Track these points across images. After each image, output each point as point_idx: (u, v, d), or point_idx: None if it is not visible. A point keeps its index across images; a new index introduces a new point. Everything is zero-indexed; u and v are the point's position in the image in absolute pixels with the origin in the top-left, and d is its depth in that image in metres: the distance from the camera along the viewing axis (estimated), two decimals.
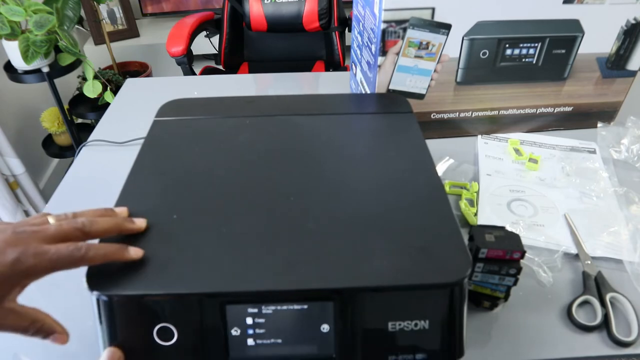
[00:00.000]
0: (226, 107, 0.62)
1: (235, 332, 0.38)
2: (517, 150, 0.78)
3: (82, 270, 0.40)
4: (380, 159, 0.52)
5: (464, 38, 0.70)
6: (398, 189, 0.47)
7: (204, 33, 1.72)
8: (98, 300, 0.37)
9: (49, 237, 0.36)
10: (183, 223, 0.43)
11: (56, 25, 1.42)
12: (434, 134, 0.81)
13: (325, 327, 0.39)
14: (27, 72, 1.51)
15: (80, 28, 1.98)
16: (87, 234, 0.38)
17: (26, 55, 1.39)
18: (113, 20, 2.23)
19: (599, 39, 0.73)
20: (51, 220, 0.38)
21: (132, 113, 0.93)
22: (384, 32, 0.68)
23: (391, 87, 0.74)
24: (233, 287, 0.37)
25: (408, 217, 0.43)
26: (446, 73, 0.74)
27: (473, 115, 0.80)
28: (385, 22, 0.67)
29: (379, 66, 0.71)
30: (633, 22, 0.72)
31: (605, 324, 0.51)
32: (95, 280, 0.38)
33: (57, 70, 1.54)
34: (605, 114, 0.83)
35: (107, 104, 1.06)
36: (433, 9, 0.67)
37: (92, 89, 1.60)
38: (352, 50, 0.90)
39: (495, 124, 0.82)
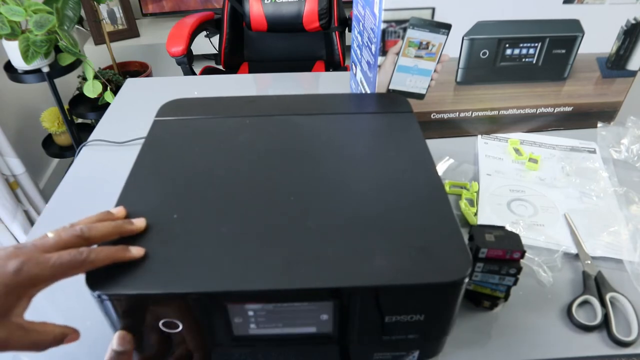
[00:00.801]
0: (227, 107, 0.62)
1: (238, 320, 0.39)
2: (517, 150, 0.78)
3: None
4: (380, 158, 0.52)
5: (464, 38, 0.70)
6: (398, 189, 0.47)
7: (204, 33, 1.72)
8: (99, 299, 0.38)
9: (49, 247, 0.36)
10: (183, 222, 0.43)
11: (56, 25, 1.42)
12: (434, 134, 0.81)
13: (324, 317, 0.40)
14: (27, 72, 1.51)
15: (80, 28, 1.98)
16: (87, 240, 0.38)
17: (26, 55, 1.39)
18: (113, 20, 2.23)
19: (599, 39, 0.73)
20: (50, 234, 0.38)
21: (132, 113, 0.93)
22: (384, 32, 0.68)
23: (391, 87, 0.74)
24: (233, 287, 0.38)
25: (408, 216, 0.43)
26: (446, 73, 0.74)
27: (473, 115, 0.80)
28: (385, 22, 0.67)
29: (379, 66, 0.71)
30: (633, 22, 0.72)
31: (605, 323, 0.51)
32: (95, 279, 0.38)
33: (57, 70, 1.54)
34: (605, 114, 0.83)
35: (107, 104, 1.06)
36: (433, 9, 0.67)
37: (92, 89, 1.60)
38: (352, 50, 0.90)
39: (495, 124, 0.82)
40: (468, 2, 0.67)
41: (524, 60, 0.74)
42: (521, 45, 0.72)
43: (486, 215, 0.65)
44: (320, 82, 1.09)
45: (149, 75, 2.03)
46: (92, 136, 0.85)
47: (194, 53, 1.54)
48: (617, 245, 0.60)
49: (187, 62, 1.47)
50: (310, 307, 0.39)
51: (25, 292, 0.35)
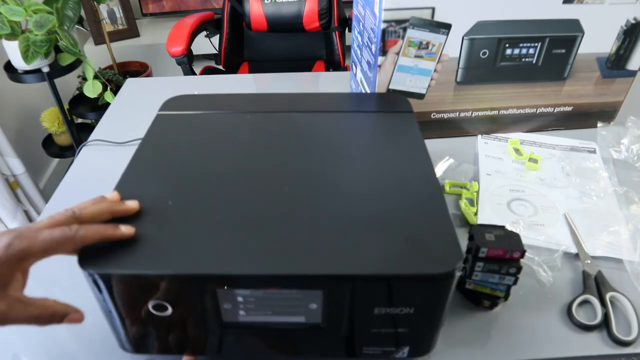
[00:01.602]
0: (229, 104, 0.63)
1: (227, 306, 0.40)
2: (517, 150, 0.78)
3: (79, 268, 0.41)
4: (378, 156, 0.52)
5: (464, 38, 0.70)
6: (393, 184, 0.47)
7: (204, 33, 1.72)
8: (92, 277, 0.38)
9: (42, 226, 0.37)
10: (178, 209, 0.44)
11: (56, 25, 1.42)
12: (434, 133, 0.81)
13: (313, 306, 0.40)
14: (27, 72, 1.51)
15: (81, 28, 1.98)
16: (79, 219, 0.39)
17: (26, 55, 1.39)
18: (113, 20, 2.23)
19: (599, 39, 0.73)
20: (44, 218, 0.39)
21: (132, 113, 0.93)
22: (384, 32, 0.68)
23: (391, 86, 0.74)
24: (222, 270, 0.38)
25: (401, 210, 0.44)
26: (446, 73, 0.74)
27: (473, 115, 0.80)
28: (385, 22, 0.67)
29: (379, 66, 0.71)
30: (633, 22, 0.72)
31: (605, 323, 0.51)
32: (87, 258, 0.38)
33: (57, 70, 1.54)
34: (605, 113, 0.83)
35: (107, 104, 1.06)
36: (433, 9, 0.67)
37: (92, 89, 1.60)
38: (352, 50, 0.90)
39: (495, 124, 0.82)
40: (468, 2, 0.67)
41: (523, 60, 0.74)
42: (521, 45, 0.72)
43: (486, 215, 0.65)
44: (320, 82, 1.10)
45: (149, 75, 2.03)
46: (92, 136, 0.85)
47: (194, 53, 1.54)
48: (617, 245, 0.60)
49: (187, 62, 1.47)
50: (299, 295, 0.39)
51: (18, 266, 0.36)
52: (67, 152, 1.80)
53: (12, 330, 0.40)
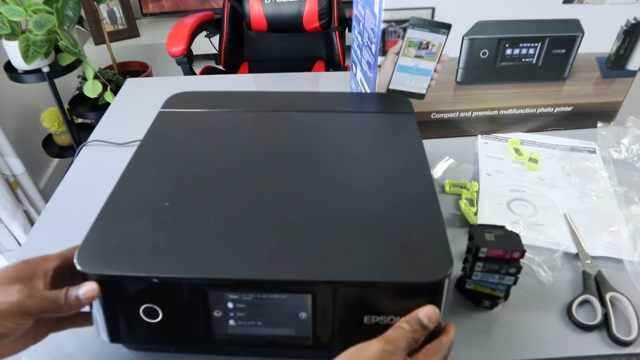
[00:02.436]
0: (230, 101, 0.64)
1: (217, 314, 0.40)
2: (517, 150, 0.78)
3: None
4: (375, 157, 0.52)
5: (464, 38, 0.70)
6: (389, 188, 0.47)
7: (204, 33, 1.72)
8: (84, 277, 0.39)
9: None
10: (174, 210, 0.44)
11: (56, 25, 1.42)
12: (434, 133, 0.81)
13: (303, 315, 0.40)
14: (27, 72, 1.51)
15: (80, 28, 1.98)
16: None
17: (26, 55, 1.39)
18: (113, 20, 2.23)
19: (599, 39, 0.73)
20: None
21: (132, 113, 0.93)
22: (384, 32, 0.68)
23: (391, 87, 0.74)
24: (214, 274, 0.38)
25: (395, 215, 0.44)
26: (446, 73, 0.74)
27: (473, 115, 0.80)
28: (385, 22, 0.67)
29: (379, 66, 0.71)
30: (633, 22, 0.72)
31: (605, 323, 0.51)
32: (84, 259, 0.39)
33: (57, 70, 1.54)
34: (605, 113, 0.83)
35: (107, 104, 1.06)
36: (433, 9, 0.67)
37: (92, 89, 1.61)
38: (352, 50, 0.90)
39: (495, 124, 0.82)
40: (468, 2, 0.67)
41: (524, 60, 0.74)
42: (521, 45, 0.72)
43: (486, 215, 0.65)
44: (320, 82, 1.10)
45: (149, 75, 2.03)
46: (92, 136, 0.85)
47: (194, 53, 1.54)
48: (617, 245, 0.60)
49: (187, 62, 1.47)
50: (288, 302, 0.40)
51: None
52: (67, 152, 1.80)
53: None
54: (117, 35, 2.23)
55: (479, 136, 0.82)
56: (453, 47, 0.71)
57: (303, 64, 1.73)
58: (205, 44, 1.85)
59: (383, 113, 0.62)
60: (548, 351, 0.49)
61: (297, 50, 1.76)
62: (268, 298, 0.40)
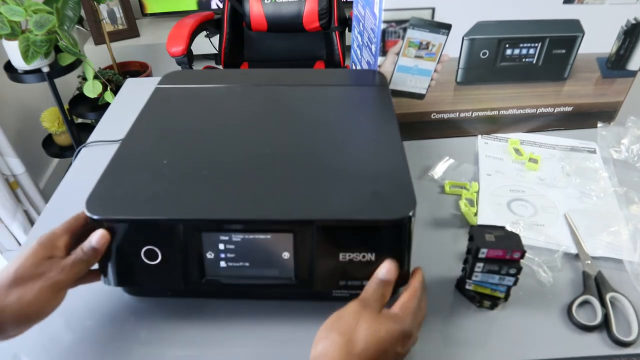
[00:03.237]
0: (221, 78, 0.70)
1: (209, 255, 0.46)
2: (517, 150, 0.78)
3: None
4: (350, 121, 0.58)
5: (464, 38, 0.70)
6: (362, 145, 0.53)
7: (204, 33, 1.72)
8: (93, 222, 0.44)
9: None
10: (171, 166, 0.50)
11: (56, 25, 1.42)
12: (434, 134, 0.81)
13: (286, 255, 0.46)
14: (27, 72, 1.51)
15: (81, 28, 1.98)
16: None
17: (26, 55, 1.39)
18: (113, 20, 2.23)
19: (599, 39, 0.73)
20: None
21: (132, 113, 0.92)
22: (384, 32, 0.68)
23: (391, 87, 0.74)
24: (207, 215, 0.44)
25: (367, 167, 0.50)
26: (446, 73, 0.74)
27: (473, 115, 0.80)
28: (385, 22, 0.67)
29: (379, 66, 0.71)
30: (633, 22, 0.72)
31: (605, 323, 0.51)
32: (92, 206, 0.45)
33: (57, 70, 1.54)
34: (605, 114, 0.83)
35: (107, 104, 1.06)
36: (433, 9, 0.67)
37: (92, 89, 1.60)
38: (352, 50, 0.90)
39: (495, 124, 0.82)
40: (468, 2, 0.67)
41: (524, 60, 0.74)
42: (521, 45, 0.72)
43: (486, 215, 0.65)
44: None
45: (149, 75, 2.03)
46: (92, 136, 0.85)
47: (194, 53, 1.54)
48: (617, 245, 0.60)
49: (187, 62, 1.47)
50: (272, 242, 0.45)
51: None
52: (67, 152, 1.80)
53: None
54: (117, 35, 2.23)
55: (479, 136, 0.82)
56: (453, 47, 0.71)
57: (303, 64, 1.73)
58: (205, 44, 1.84)
59: (361, 86, 0.68)
60: (548, 351, 0.49)
61: (297, 50, 1.76)
62: (255, 239, 0.45)
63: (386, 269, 0.45)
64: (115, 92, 1.68)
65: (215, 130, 0.57)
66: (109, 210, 0.44)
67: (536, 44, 0.72)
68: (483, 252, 0.48)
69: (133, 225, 0.45)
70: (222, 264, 0.46)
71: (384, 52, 0.70)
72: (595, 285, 0.55)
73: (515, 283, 0.50)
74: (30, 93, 1.79)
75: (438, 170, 0.74)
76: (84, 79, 1.70)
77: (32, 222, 1.60)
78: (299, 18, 1.63)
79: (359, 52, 0.83)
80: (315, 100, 0.63)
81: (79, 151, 0.81)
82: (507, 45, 0.72)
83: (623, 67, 0.77)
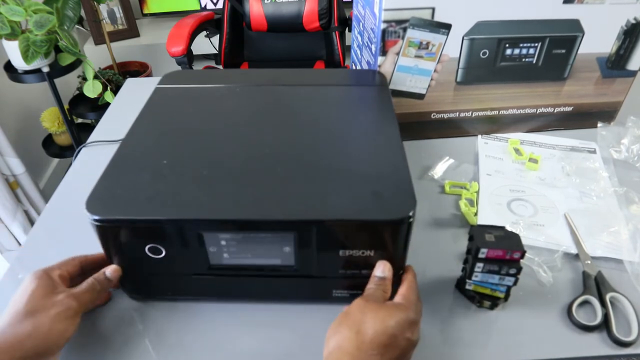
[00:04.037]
0: (221, 78, 0.70)
1: (212, 249, 0.46)
2: (517, 150, 0.78)
3: None
4: (351, 121, 0.58)
5: (464, 38, 0.70)
6: (362, 145, 0.53)
7: (204, 33, 1.72)
8: (93, 222, 0.44)
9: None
10: (172, 166, 0.50)
11: (56, 25, 1.42)
12: (434, 134, 0.81)
13: (287, 249, 0.46)
14: (27, 72, 1.51)
15: (81, 28, 1.98)
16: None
17: (26, 55, 1.39)
18: (113, 20, 2.23)
19: (599, 39, 0.73)
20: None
21: (132, 113, 0.92)
22: (384, 32, 0.68)
23: (391, 86, 0.74)
24: (207, 216, 0.44)
25: (368, 167, 0.50)
26: (446, 73, 0.74)
27: (473, 115, 0.80)
28: (385, 22, 0.67)
29: (379, 66, 0.71)
30: (633, 22, 0.72)
31: (605, 323, 0.51)
32: (92, 206, 0.45)
33: (57, 70, 1.54)
34: (605, 114, 0.83)
35: (107, 104, 1.05)
36: (433, 9, 0.67)
37: (92, 89, 1.60)
38: (352, 50, 0.90)
39: (495, 124, 0.82)
40: (468, 2, 0.67)
41: (524, 60, 0.74)
42: (521, 45, 0.72)
43: (486, 215, 0.65)
44: None
45: (149, 75, 2.03)
46: (92, 136, 0.85)
47: (194, 53, 1.54)
48: (617, 245, 0.60)
49: (187, 62, 1.47)
50: (274, 238, 0.46)
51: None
52: (67, 152, 1.80)
53: None
54: (117, 35, 2.23)
55: (479, 136, 0.82)
56: (453, 47, 0.71)
57: (303, 64, 1.73)
58: (205, 44, 1.84)
59: (361, 86, 0.68)
60: (548, 352, 0.49)
61: (297, 50, 1.76)
62: (256, 237, 0.46)
63: (382, 268, 0.46)
64: (115, 92, 1.68)
65: (216, 130, 0.57)
66: (109, 210, 0.44)
67: (536, 44, 0.72)
68: (483, 252, 0.48)
69: (133, 225, 0.45)
70: (225, 255, 0.47)
71: (384, 52, 0.70)
72: (595, 285, 0.55)
73: (515, 283, 0.50)
74: (30, 93, 1.79)
75: (438, 170, 0.74)
76: (84, 79, 1.70)
77: (32, 222, 1.60)
78: (299, 18, 1.63)
79: (359, 52, 0.83)
80: (315, 100, 0.63)
81: (79, 151, 0.81)
82: (507, 45, 0.72)
83: (623, 67, 0.77)
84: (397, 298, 0.45)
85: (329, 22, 1.65)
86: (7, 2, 1.33)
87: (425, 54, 0.71)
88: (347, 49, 1.42)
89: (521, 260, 0.48)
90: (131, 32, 2.29)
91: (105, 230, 0.45)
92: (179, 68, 1.49)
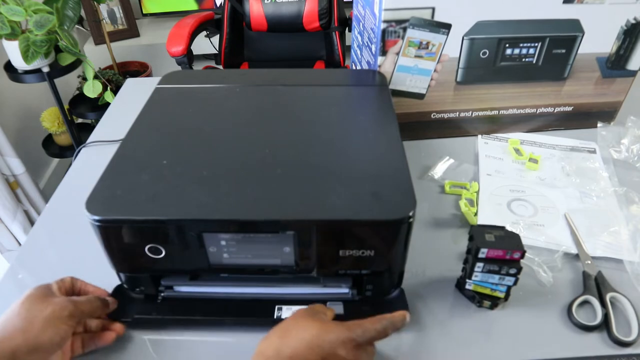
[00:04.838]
0: (221, 78, 0.70)
1: (212, 249, 0.46)
2: (517, 150, 0.78)
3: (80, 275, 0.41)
4: (351, 121, 0.58)
5: (464, 38, 0.70)
6: (362, 145, 0.53)
7: (204, 33, 1.72)
8: (93, 223, 0.44)
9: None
10: (171, 167, 0.50)
11: (56, 25, 1.42)
12: (434, 133, 0.81)
13: (287, 249, 0.46)
14: (27, 72, 1.51)
15: (81, 28, 1.98)
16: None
17: (26, 55, 1.39)
18: (113, 20, 2.23)
19: (599, 39, 0.73)
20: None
21: (132, 113, 0.92)
22: (384, 32, 0.68)
23: (391, 86, 0.74)
24: (208, 216, 0.44)
25: (367, 167, 0.50)
26: (446, 73, 0.74)
27: (473, 115, 0.80)
28: (385, 22, 0.67)
29: (379, 66, 0.71)
30: (633, 22, 0.72)
31: (605, 323, 0.51)
32: (92, 206, 0.45)
33: (57, 70, 1.54)
34: (605, 113, 0.83)
35: (107, 104, 1.05)
36: (433, 9, 0.67)
37: (92, 89, 1.60)
38: (352, 50, 0.90)
39: (495, 124, 0.82)
40: (468, 2, 0.67)
41: (524, 60, 0.74)
42: (521, 45, 0.72)
43: (486, 215, 0.65)
44: None
45: (149, 75, 2.03)
46: (92, 136, 0.85)
47: (194, 53, 1.54)
48: (617, 245, 0.60)
49: (187, 62, 1.47)
50: (273, 238, 0.46)
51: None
52: (67, 152, 1.79)
53: None
54: (117, 35, 2.23)
55: (479, 136, 0.82)
56: (453, 47, 0.71)
57: (303, 64, 1.73)
58: (205, 44, 1.84)
59: (361, 86, 0.68)
60: (548, 351, 0.49)
61: (297, 50, 1.76)
62: (256, 237, 0.45)
63: (383, 323, 0.42)
64: (115, 92, 1.68)
65: (215, 131, 0.57)
66: (109, 210, 0.44)
67: (536, 44, 0.72)
68: (483, 252, 0.48)
69: (133, 225, 0.45)
70: (225, 255, 0.47)
71: (384, 52, 0.70)
72: (595, 285, 0.55)
73: (515, 283, 0.50)
74: (30, 93, 1.79)
75: (438, 170, 0.74)
76: (84, 79, 1.70)
77: (32, 222, 1.59)
78: (299, 18, 1.63)
79: (359, 52, 0.83)
80: (316, 101, 0.63)
81: (79, 151, 0.81)
82: (507, 45, 0.72)
83: (623, 67, 0.77)
84: (350, 322, 0.42)
85: (329, 22, 1.65)
86: (7, 2, 1.33)
87: (425, 54, 0.71)
88: (347, 49, 1.42)
89: (521, 260, 0.48)
90: (131, 32, 2.28)
91: (105, 230, 0.45)
92: (179, 68, 1.49)
